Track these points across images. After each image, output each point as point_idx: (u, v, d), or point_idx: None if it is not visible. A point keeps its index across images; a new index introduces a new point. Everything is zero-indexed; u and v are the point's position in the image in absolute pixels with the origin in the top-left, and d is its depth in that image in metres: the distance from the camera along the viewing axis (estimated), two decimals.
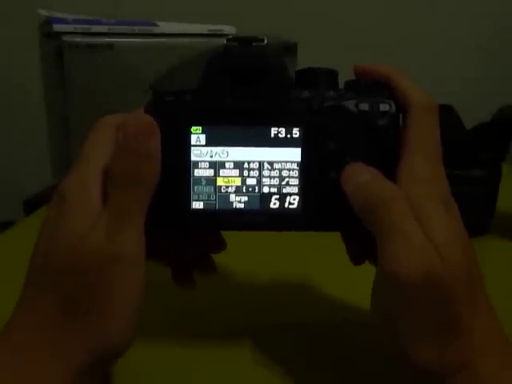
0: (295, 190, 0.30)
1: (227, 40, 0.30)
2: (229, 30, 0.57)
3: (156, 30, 0.54)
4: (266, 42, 0.30)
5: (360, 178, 0.28)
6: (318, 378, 0.33)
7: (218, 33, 0.56)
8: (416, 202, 0.27)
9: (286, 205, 0.30)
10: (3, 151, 0.94)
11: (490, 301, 0.28)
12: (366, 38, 0.90)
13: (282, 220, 0.30)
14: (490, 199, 0.51)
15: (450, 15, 0.91)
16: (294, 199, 0.30)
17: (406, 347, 0.26)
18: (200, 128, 0.30)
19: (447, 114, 0.51)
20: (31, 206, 0.63)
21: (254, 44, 0.30)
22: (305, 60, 0.56)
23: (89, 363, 0.26)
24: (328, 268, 0.43)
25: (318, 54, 0.77)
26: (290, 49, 0.56)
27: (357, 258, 0.34)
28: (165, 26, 0.55)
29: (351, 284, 0.39)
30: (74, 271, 0.26)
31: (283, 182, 0.30)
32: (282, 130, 0.30)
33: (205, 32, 0.56)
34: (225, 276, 0.43)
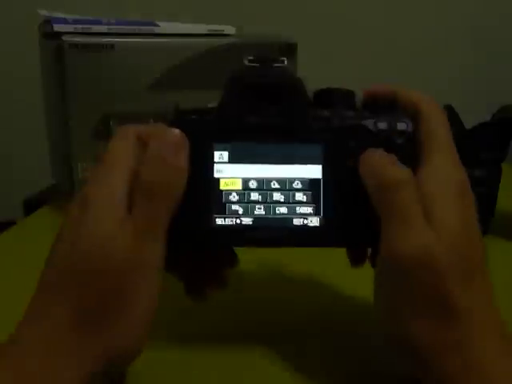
0: (317, 206, 0.30)
1: (248, 61, 0.30)
2: (229, 30, 0.57)
3: (156, 30, 0.54)
4: (285, 62, 0.30)
5: (375, 161, 0.29)
6: (319, 378, 0.33)
7: (218, 33, 0.56)
8: (429, 189, 0.28)
9: (308, 221, 0.30)
10: (3, 151, 0.94)
11: (492, 293, 0.28)
12: (365, 39, 0.90)
13: (304, 236, 0.31)
14: (489, 199, 0.51)
15: (450, 15, 0.91)
16: (316, 216, 0.30)
17: (403, 322, 0.27)
18: (223, 145, 0.30)
19: (447, 114, 0.51)
20: (31, 205, 0.63)
21: (274, 64, 0.30)
22: (305, 60, 0.56)
23: (101, 368, 0.26)
24: (330, 268, 0.43)
25: (317, 55, 0.77)
26: (290, 49, 0.56)
27: (356, 261, 0.34)
28: (165, 26, 0.55)
29: (354, 284, 0.39)
30: (95, 274, 0.26)
31: (305, 199, 0.30)
32: (304, 148, 0.30)
33: (205, 32, 0.56)
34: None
